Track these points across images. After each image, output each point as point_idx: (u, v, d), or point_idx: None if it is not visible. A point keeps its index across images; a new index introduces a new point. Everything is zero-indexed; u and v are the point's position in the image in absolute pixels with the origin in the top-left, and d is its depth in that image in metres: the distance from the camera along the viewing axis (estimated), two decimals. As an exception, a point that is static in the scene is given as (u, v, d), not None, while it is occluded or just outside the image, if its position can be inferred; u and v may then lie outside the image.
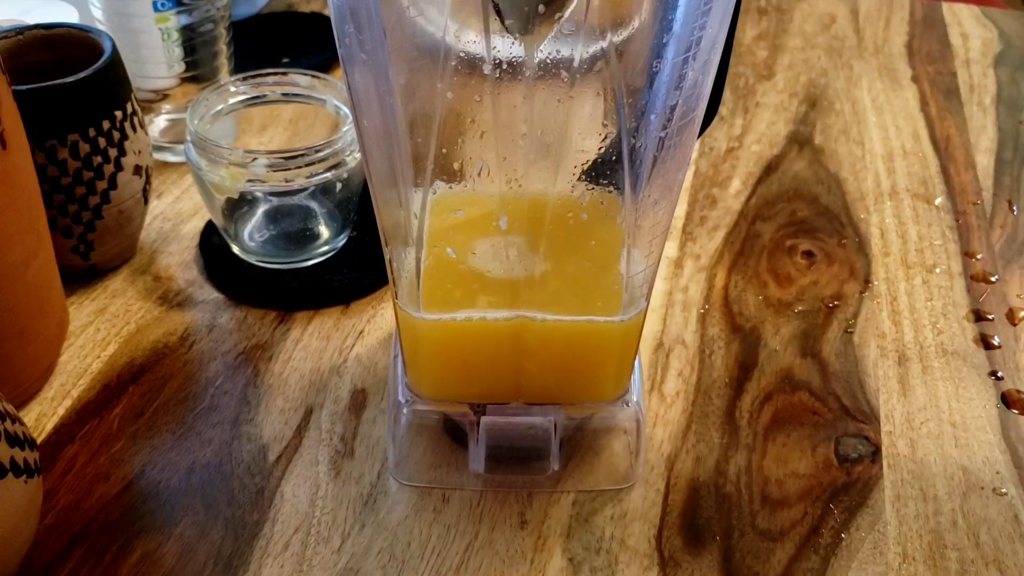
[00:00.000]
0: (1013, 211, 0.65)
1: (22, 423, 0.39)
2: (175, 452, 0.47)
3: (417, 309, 0.40)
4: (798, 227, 0.63)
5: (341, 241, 0.58)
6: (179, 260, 0.59)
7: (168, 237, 0.60)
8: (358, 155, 0.54)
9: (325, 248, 0.58)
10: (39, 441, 0.47)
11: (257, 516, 0.44)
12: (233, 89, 0.57)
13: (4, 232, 0.44)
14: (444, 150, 0.36)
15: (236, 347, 0.53)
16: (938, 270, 0.60)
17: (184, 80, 0.65)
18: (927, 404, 0.50)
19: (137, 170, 0.55)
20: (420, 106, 0.35)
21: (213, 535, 0.43)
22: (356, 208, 0.57)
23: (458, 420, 0.46)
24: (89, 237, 0.54)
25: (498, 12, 0.30)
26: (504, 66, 0.34)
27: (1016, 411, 0.50)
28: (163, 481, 0.46)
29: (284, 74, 0.58)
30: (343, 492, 0.45)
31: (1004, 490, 0.46)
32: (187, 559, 0.42)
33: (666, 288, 0.57)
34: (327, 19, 0.80)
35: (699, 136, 0.39)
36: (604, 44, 0.34)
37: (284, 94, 0.58)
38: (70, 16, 0.67)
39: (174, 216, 0.62)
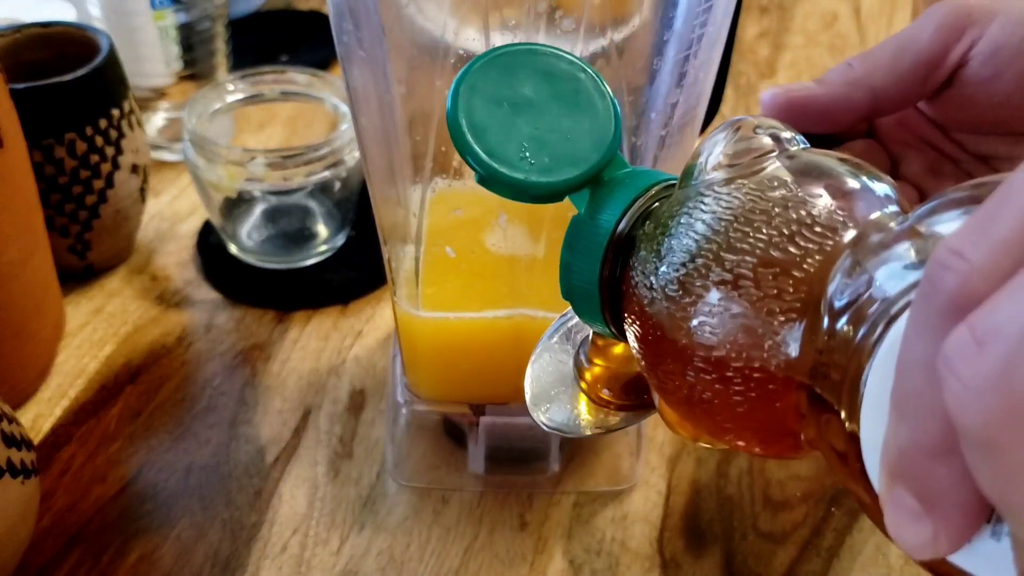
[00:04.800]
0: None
1: (19, 424, 0.38)
2: (173, 453, 0.47)
3: (416, 308, 0.40)
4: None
5: (340, 240, 0.58)
6: (176, 260, 0.58)
7: (165, 236, 0.60)
8: (357, 154, 0.54)
9: (324, 247, 0.57)
10: (36, 442, 0.47)
11: (255, 518, 0.44)
12: (231, 87, 0.57)
13: (1, 232, 0.43)
14: (443, 148, 0.36)
15: (234, 347, 0.53)
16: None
17: (182, 78, 0.65)
18: (929, 404, 0.50)
19: (134, 169, 0.54)
20: (419, 104, 0.35)
21: (211, 537, 0.43)
22: (355, 207, 0.57)
23: (457, 420, 0.45)
24: (86, 236, 0.54)
25: None
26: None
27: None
28: (160, 482, 0.45)
29: (282, 72, 0.58)
30: (342, 493, 0.45)
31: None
32: (184, 561, 0.42)
33: (667, 288, 0.57)
34: (325, 17, 0.79)
35: (700, 134, 0.39)
36: (605, 42, 0.34)
37: (282, 92, 0.58)
38: (67, 14, 0.66)
39: (171, 215, 0.62)
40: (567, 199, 0.27)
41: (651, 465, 0.47)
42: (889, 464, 0.18)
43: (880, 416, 0.19)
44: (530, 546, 0.43)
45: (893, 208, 0.22)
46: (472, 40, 0.33)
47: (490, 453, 0.44)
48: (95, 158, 0.52)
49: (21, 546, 0.38)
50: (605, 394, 0.31)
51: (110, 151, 0.52)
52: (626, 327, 0.26)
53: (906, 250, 0.20)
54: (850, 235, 0.21)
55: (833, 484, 0.46)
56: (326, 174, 0.53)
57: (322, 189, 0.55)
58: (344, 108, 0.56)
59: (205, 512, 0.44)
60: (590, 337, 0.32)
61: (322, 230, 0.58)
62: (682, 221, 0.24)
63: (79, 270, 0.56)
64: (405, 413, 0.45)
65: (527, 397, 0.32)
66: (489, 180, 0.27)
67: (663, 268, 0.24)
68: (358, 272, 0.56)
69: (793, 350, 0.21)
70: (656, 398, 0.26)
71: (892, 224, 0.21)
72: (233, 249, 0.57)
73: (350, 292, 0.56)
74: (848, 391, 0.20)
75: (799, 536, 0.44)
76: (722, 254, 0.22)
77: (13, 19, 0.65)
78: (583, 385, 0.32)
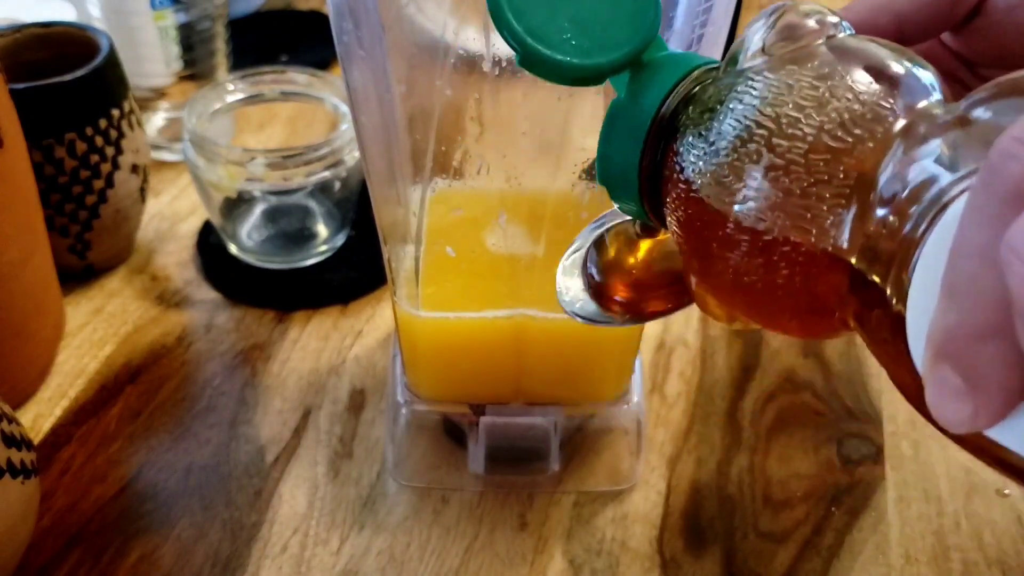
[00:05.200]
0: (1015, 210, 0.64)
1: (19, 424, 0.38)
2: (173, 453, 0.47)
3: (416, 308, 0.40)
4: (799, 226, 0.62)
5: (340, 240, 0.58)
6: (176, 260, 0.58)
7: (165, 236, 0.60)
8: (357, 154, 0.54)
9: (323, 247, 0.57)
10: (36, 442, 0.47)
11: (255, 517, 0.44)
12: (231, 87, 0.57)
13: (1, 232, 0.43)
14: (443, 147, 0.36)
15: (234, 347, 0.52)
16: (940, 269, 0.59)
17: (182, 78, 0.65)
18: (930, 404, 0.50)
19: (134, 169, 0.54)
20: (419, 103, 0.35)
21: (211, 536, 0.43)
22: (355, 207, 0.57)
23: (457, 420, 0.45)
24: (86, 236, 0.54)
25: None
26: (504, 63, 0.33)
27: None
28: (161, 482, 0.45)
29: (282, 72, 0.58)
30: (342, 493, 0.45)
31: (1007, 491, 0.46)
32: (185, 561, 0.42)
33: (667, 287, 0.57)
34: (325, 16, 0.80)
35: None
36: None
37: (282, 92, 0.58)
38: (67, 14, 0.66)
39: (172, 215, 0.62)
40: (607, 82, 0.27)
41: (651, 465, 0.47)
42: (936, 344, 0.19)
43: (928, 299, 0.19)
44: (530, 546, 0.43)
45: (939, 96, 0.22)
46: (472, 39, 0.33)
47: (490, 453, 0.44)
48: (95, 158, 0.52)
49: (21, 546, 0.38)
50: (617, 301, 0.31)
51: (110, 151, 0.52)
52: (667, 212, 0.26)
53: (958, 139, 0.20)
54: (900, 122, 0.22)
55: (834, 483, 0.46)
56: (326, 174, 0.53)
57: (322, 189, 0.55)
58: (344, 108, 0.56)
59: (205, 512, 0.44)
60: (596, 251, 0.32)
61: (322, 230, 0.58)
62: (731, 106, 0.24)
63: (79, 270, 0.56)
64: (405, 413, 0.45)
65: (559, 290, 0.32)
66: (529, 60, 0.26)
67: (711, 152, 0.24)
68: (358, 272, 0.56)
69: (842, 235, 0.22)
70: (692, 280, 0.26)
71: (939, 112, 0.22)
72: (233, 249, 0.57)
73: (350, 292, 0.56)
74: (896, 275, 0.20)
75: (799, 535, 0.44)
76: (773, 140, 0.23)
77: (13, 19, 0.65)
78: (594, 298, 0.32)
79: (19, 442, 0.37)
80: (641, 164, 0.27)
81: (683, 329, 0.54)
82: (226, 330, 0.54)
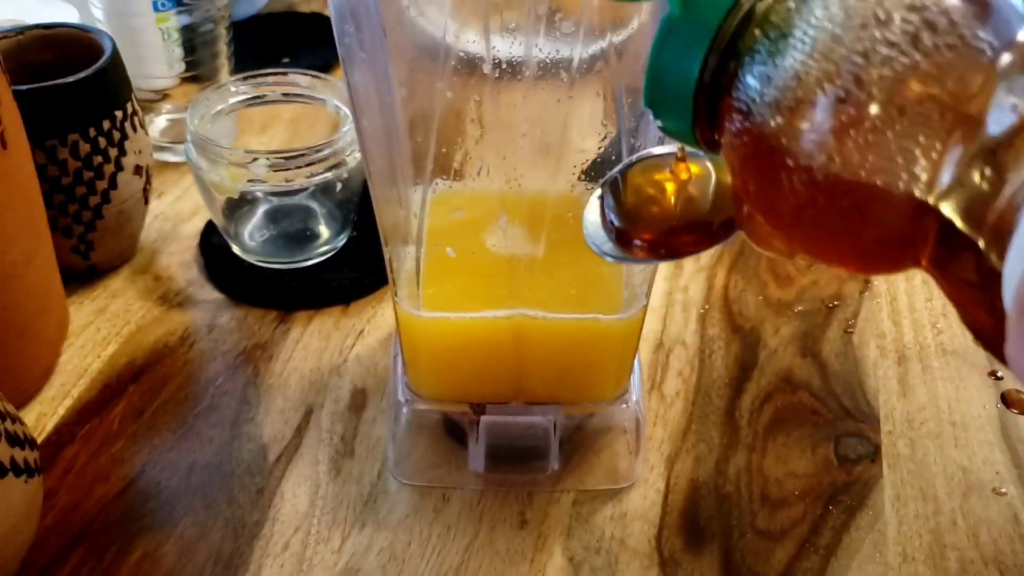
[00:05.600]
0: (1013, 211, 0.65)
1: (22, 423, 0.39)
2: (175, 452, 0.47)
3: (417, 308, 0.40)
4: (798, 227, 0.63)
5: (341, 241, 0.58)
6: (179, 260, 0.59)
7: (168, 237, 0.60)
8: (358, 155, 0.54)
9: (325, 248, 0.58)
10: (39, 441, 0.47)
11: (257, 516, 0.44)
12: (233, 89, 0.57)
13: (4, 232, 0.44)
14: (444, 149, 0.36)
15: (236, 347, 0.53)
16: (938, 270, 0.59)
17: (184, 80, 0.65)
18: (927, 404, 0.50)
19: (137, 170, 0.55)
20: (420, 105, 0.35)
21: (213, 535, 0.43)
22: (356, 208, 0.57)
23: (458, 419, 0.46)
24: (89, 237, 0.54)
25: None
26: (504, 66, 0.34)
27: (1016, 411, 0.50)
28: (163, 481, 0.46)
29: (284, 74, 0.58)
30: (343, 492, 0.45)
31: (1004, 490, 0.46)
32: (187, 559, 0.42)
33: (666, 288, 0.57)
34: (327, 19, 0.80)
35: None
36: (604, 44, 0.34)
37: (284, 94, 0.58)
38: (70, 16, 0.67)
39: (174, 216, 0.62)
40: None
41: (650, 464, 0.47)
42: (1020, 295, 0.18)
43: None
44: (530, 544, 0.43)
45: None
46: (472, 42, 0.33)
47: (490, 451, 0.44)
48: (98, 159, 0.52)
49: (24, 545, 0.38)
50: (637, 245, 0.31)
51: (113, 152, 0.52)
52: (729, 140, 0.24)
53: None
54: (1005, 57, 0.20)
55: (831, 482, 0.46)
56: (328, 175, 0.54)
57: (324, 190, 0.55)
58: (345, 110, 0.57)
59: (207, 510, 0.44)
60: (613, 196, 0.31)
61: (324, 231, 0.58)
62: (808, 33, 0.22)
63: (82, 270, 0.56)
64: (406, 412, 0.45)
65: (585, 231, 0.31)
66: None
67: (786, 81, 0.22)
68: (359, 272, 0.57)
69: (936, 181, 0.20)
70: (746, 212, 0.24)
71: None
72: (235, 249, 0.57)
73: (351, 292, 0.56)
74: (994, 227, 0.19)
75: (797, 534, 0.44)
76: (860, 75, 0.20)
77: (16, 21, 0.65)
78: (615, 242, 0.31)
79: (22, 441, 0.37)
80: (699, 84, 0.24)
81: (681, 329, 0.55)
82: (228, 330, 0.54)
